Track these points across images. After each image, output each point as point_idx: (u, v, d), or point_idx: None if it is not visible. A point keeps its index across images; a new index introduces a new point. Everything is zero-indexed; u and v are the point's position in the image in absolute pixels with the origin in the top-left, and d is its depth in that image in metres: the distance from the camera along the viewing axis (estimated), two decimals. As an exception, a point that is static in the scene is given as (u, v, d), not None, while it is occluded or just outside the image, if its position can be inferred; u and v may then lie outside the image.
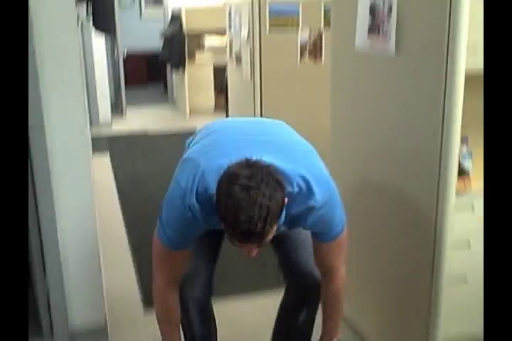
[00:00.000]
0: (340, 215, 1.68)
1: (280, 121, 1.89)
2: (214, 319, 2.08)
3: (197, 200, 1.52)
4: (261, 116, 3.68)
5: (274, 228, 1.40)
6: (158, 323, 1.84)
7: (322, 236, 1.70)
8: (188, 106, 7.27)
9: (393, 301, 2.14)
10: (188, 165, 1.61)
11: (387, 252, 2.13)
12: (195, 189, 1.53)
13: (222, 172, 1.44)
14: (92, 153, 3.90)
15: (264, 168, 1.40)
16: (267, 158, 1.48)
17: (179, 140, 6.74)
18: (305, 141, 1.76)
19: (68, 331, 2.45)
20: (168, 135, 6.38)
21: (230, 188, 1.36)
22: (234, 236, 1.39)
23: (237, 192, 1.35)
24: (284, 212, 1.48)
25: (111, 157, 5.50)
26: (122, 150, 5.81)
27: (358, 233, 2.18)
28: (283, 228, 1.63)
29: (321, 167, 1.67)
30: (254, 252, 1.45)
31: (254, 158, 1.45)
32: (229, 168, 1.42)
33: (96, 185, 2.58)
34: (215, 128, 1.82)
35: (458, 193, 1.79)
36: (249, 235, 1.36)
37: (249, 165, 1.41)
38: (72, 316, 2.45)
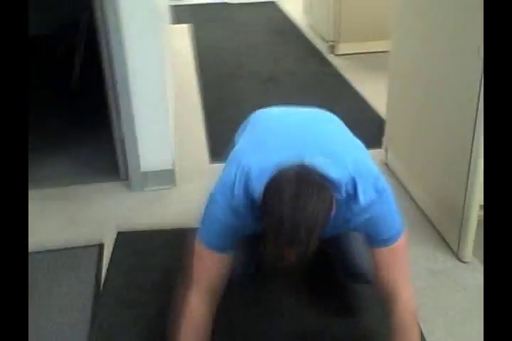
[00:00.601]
0: (393, 219, 1.57)
1: (330, 114, 1.82)
2: None
3: (240, 200, 1.49)
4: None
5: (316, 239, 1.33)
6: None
7: (373, 239, 1.59)
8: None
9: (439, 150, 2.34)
10: (234, 164, 1.55)
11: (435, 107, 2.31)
12: (240, 189, 1.48)
13: (269, 175, 1.37)
14: (171, 22, 3.94)
15: (314, 183, 1.32)
16: (316, 161, 1.42)
17: (258, 9, 6.61)
18: (354, 138, 1.68)
19: (140, 173, 2.78)
20: (247, 4, 6.30)
21: (275, 206, 1.31)
22: (278, 243, 1.32)
23: (283, 211, 1.29)
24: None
25: (190, 25, 5.61)
26: (202, 18, 5.89)
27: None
28: (328, 234, 1.54)
29: (370, 164, 1.57)
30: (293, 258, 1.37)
31: (304, 161, 1.38)
32: (276, 177, 1.35)
33: (173, 51, 2.73)
34: (264, 119, 1.77)
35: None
36: (291, 244, 1.31)
37: (298, 178, 1.32)
38: (144, 160, 2.77)
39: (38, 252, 2.33)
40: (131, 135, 2.71)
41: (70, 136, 3.33)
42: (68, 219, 2.58)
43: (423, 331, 1.87)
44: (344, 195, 1.45)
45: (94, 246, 2.37)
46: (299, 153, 1.46)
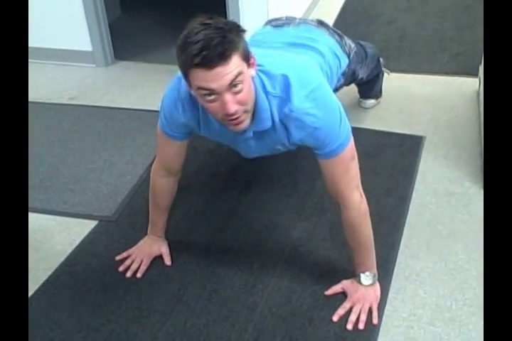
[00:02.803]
0: (335, 131, 1.58)
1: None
2: None
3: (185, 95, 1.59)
4: None
5: (239, 60, 1.38)
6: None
7: (317, 151, 1.63)
8: None
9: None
10: None
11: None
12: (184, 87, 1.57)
13: None
14: None
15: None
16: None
17: None
18: (313, 64, 1.79)
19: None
20: None
21: (186, 28, 1.38)
22: (192, 57, 1.34)
23: (192, 26, 1.37)
24: (268, 110, 1.53)
25: None
26: None
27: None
28: (286, 142, 1.65)
29: (316, 76, 1.63)
30: (233, 106, 1.41)
31: None
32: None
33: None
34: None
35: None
36: (207, 50, 1.32)
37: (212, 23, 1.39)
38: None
39: (148, 111, 2.86)
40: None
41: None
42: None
43: (406, 235, 2.05)
44: (278, 92, 1.52)
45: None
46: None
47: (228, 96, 1.40)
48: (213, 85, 1.37)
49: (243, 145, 1.73)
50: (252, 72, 1.48)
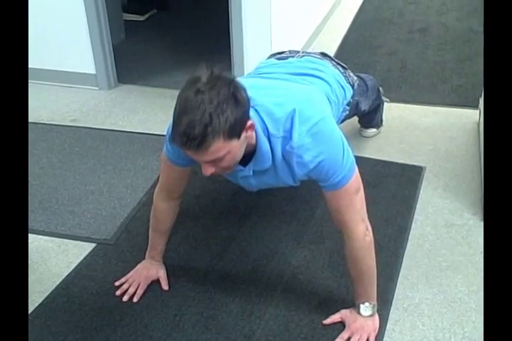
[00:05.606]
0: (338, 165, 1.58)
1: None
2: None
3: None
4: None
5: (220, 144, 1.38)
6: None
7: (321, 183, 1.63)
8: None
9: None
10: None
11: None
12: None
13: None
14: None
15: (228, 81, 1.38)
16: (264, 99, 1.56)
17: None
18: (320, 96, 1.79)
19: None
20: None
21: (185, 89, 1.39)
22: (175, 139, 1.40)
23: (188, 93, 1.36)
24: (267, 152, 1.55)
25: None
26: None
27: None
28: (291, 181, 1.68)
29: (317, 111, 1.61)
30: (209, 171, 1.47)
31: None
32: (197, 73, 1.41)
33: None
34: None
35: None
36: (186, 138, 1.35)
37: (216, 75, 1.38)
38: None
39: (150, 134, 2.87)
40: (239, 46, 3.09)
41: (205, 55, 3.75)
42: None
43: (405, 266, 2.04)
44: (282, 133, 1.54)
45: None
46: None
47: (206, 164, 1.46)
48: (193, 157, 1.45)
49: (242, 181, 1.74)
50: (249, 133, 1.48)
